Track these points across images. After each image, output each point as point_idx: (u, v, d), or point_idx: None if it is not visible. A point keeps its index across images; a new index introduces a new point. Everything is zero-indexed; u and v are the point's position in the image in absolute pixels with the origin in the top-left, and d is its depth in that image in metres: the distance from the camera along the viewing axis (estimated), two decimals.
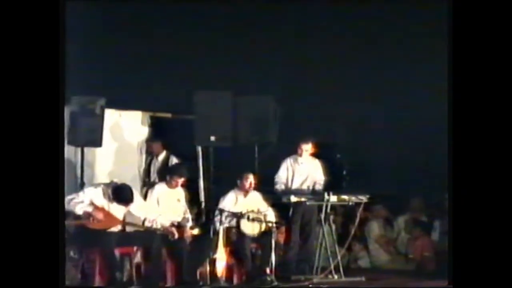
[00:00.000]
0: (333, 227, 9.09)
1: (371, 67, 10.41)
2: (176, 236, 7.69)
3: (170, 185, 8.18)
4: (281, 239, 8.66)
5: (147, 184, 9.15)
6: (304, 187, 8.93)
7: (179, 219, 8.03)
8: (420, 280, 8.56)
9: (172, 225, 7.85)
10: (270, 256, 7.94)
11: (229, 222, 8.22)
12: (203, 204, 9.49)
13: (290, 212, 8.68)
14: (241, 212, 8.27)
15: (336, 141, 10.15)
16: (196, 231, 8.01)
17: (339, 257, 8.62)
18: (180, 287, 7.67)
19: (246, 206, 8.40)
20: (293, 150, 8.99)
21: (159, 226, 7.68)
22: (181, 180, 8.18)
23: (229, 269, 7.93)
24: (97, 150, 9.12)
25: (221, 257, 7.74)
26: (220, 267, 7.71)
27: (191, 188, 8.70)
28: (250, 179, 8.47)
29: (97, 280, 7.23)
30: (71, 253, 7.53)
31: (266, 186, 8.91)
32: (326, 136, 9.83)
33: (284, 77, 10.58)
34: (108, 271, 7.26)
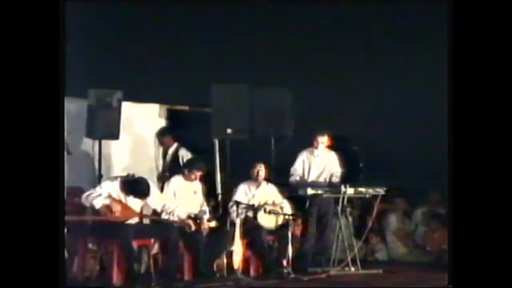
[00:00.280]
0: (350, 219, 9.09)
1: (390, 58, 10.35)
2: (193, 228, 7.72)
3: (188, 178, 8.19)
4: (298, 232, 8.67)
5: (164, 177, 9.17)
6: (321, 179, 8.92)
7: (196, 212, 8.06)
8: (437, 272, 8.53)
9: (189, 217, 7.88)
10: (287, 248, 7.94)
11: (246, 214, 8.25)
12: (219, 197, 9.49)
13: (307, 205, 8.67)
14: (257, 204, 8.29)
15: (353, 134, 10.10)
16: (213, 224, 8.05)
17: (356, 250, 8.60)
18: (197, 279, 7.70)
19: (260, 198, 8.41)
20: (309, 143, 8.99)
21: (176, 219, 7.72)
22: (199, 174, 8.20)
23: (246, 261, 7.95)
24: (114, 143, 9.16)
25: (238, 250, 7.74)
26: (237, 259, 7.72)
27: (207, 181, 8.70)
28: (257, 168, 8.47)
29: (115, 271, 7.27)
30: (90, 245, 7.63)
31: (282, 179, 8.91)
32: (343, 128, 9.80)
33: (300, 70, 10.55)
34: (125, 263, 7.30)
